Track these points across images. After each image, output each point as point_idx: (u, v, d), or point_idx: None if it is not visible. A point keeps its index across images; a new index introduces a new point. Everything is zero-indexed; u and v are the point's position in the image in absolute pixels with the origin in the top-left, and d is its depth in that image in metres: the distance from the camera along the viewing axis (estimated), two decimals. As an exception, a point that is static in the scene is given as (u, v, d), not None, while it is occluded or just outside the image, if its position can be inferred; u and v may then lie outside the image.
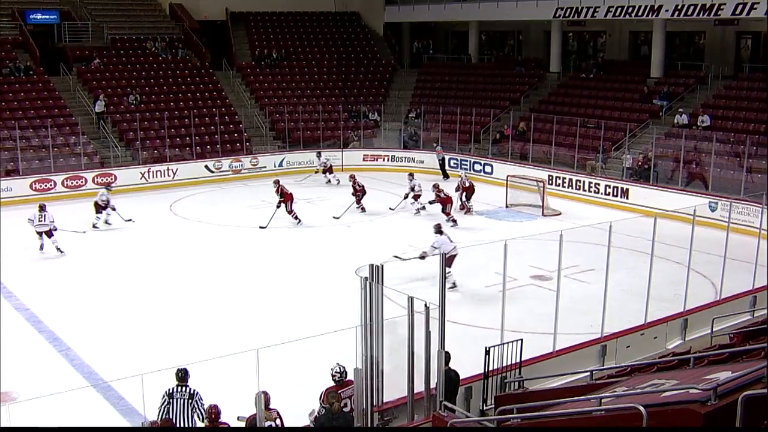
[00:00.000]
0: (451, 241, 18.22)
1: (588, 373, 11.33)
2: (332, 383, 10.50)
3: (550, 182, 29.28)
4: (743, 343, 10.29)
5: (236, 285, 18.71)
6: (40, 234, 20.94)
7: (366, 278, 10.35)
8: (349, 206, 25.93)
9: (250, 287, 18.54)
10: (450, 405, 9.47)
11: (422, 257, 17.48)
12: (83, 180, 29.39)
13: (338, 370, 10.60)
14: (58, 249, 20.88)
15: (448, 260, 17.42)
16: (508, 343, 11.78)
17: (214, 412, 9.81)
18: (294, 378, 12.23)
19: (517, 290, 17.37)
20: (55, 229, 21.04)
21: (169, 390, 10.18)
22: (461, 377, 11.32)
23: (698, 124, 29.14)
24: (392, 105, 38.47)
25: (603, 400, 7.03)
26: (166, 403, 10.09)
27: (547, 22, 37.35)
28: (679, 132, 28.52)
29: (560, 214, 26.11)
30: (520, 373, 11.96)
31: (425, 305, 10.03)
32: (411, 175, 26.94)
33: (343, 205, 26.07)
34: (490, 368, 11.65)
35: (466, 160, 32.99)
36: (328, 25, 42.94)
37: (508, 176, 28.36)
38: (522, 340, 11.82)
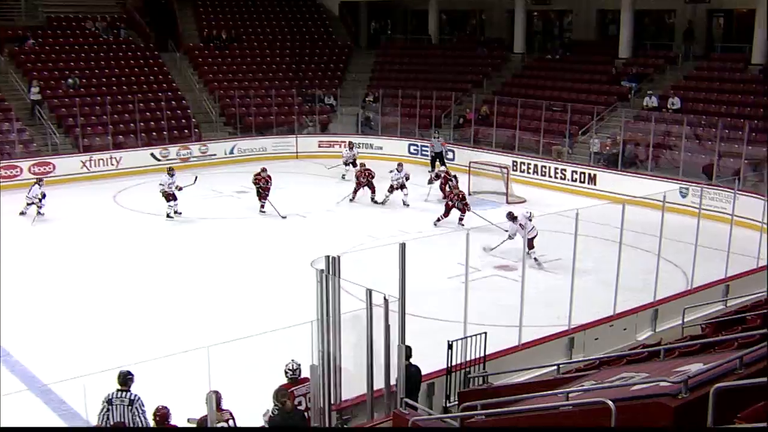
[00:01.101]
0: (523, 227, 18.70)
1: (555, 367, 11.42)
2: (286, 381, 10.47)
3: (515, 168, 29.47)
4: (715, 334, 10.44)
5: (186, 279, 18.54)
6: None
7: (322, 270, 10.31)
8: (345, 196, 26.07)
9: (201, 282, 18.39)
10: (411, 402, 9.48)
11: (510, 238, 19.09)
12: (19, 170, 28.87)
13: (291, 367, 10.56)
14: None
15: (530, 242, 18.91)
16: (471, 336, 11.82)
17: (160, 414, 9.70)
18: (248, 376, 12.14)
19: (481, 281, 17.46)
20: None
21: (108, 396, 9.95)
22: (423, 373, 11.32)
23: (668, 106, 29.49)
24: (349, 89, 38.37)
25: (570, 395, 7.08)
26: (105, 410, 9.85)
27: (510, 1, 37.55)
28: (649, 115, 28.87)
29: (525, 201, 26.28)
30: (484, 368, 12.01)
31: (384, 298, 10.02)
32: (400, 165, 26.57)
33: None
34: (453, 363, 11.68)
35: (426, 146, 33.03)
36: (280, 4, 42.63)
37: (470, 162, 28.48)
38: (486, 333, 11.86)
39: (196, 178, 24.70)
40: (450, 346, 11.62)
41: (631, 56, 33.63)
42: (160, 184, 23.91)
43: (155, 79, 35.64)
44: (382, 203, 25.58)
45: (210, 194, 26.99)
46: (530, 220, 19.19)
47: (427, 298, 15.72)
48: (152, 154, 31.71)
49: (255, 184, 24.62)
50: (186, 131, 33.50)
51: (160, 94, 34.38)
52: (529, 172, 29.68)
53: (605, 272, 17.05)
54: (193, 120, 34.04)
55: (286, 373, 10.56)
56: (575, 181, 28.31)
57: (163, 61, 36.92)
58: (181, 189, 23.86)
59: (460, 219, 22.65)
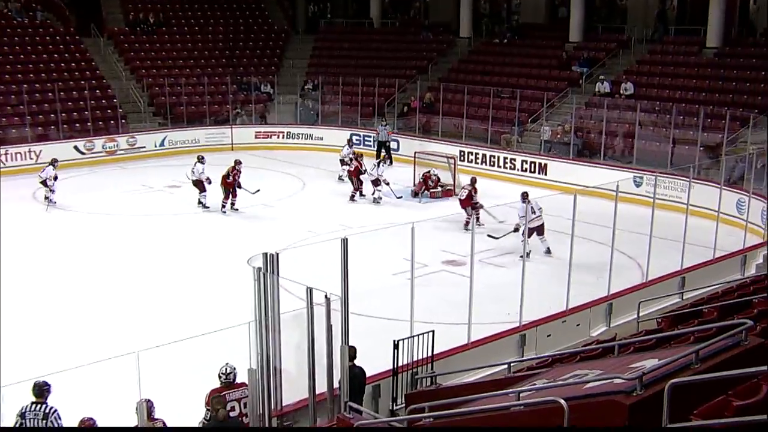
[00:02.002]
0: (534, 212, 18.88)
1: (506, 366, 11.48)
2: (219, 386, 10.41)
3: (462, 158, 29.64)
4: (671, 328, 10.59)
5: (115, 281, 18.24)
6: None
7: (259, 269, 10.24)
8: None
9: (132, 283, 18.10)
10: (356, 406, 9.48)
11: (516, 230, 19.06)
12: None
13: (225, 371, 10.49)
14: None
15: (538, 229, 19.12)
16: (418, 335, 11.84)
17: (86, 426, 9.51)
18: (181, 383, 12.02)
19: (428, 277, 17.52)
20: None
21: (21, 410, 9.66)
22: (368, 374, 11.31)
23: (621, 92, 29.89)
24: (286, 76, 38.20)
25: (522, 394, 7.13)
26: (17, 424, 9.57)
27: (456, -17, 37.79)
28: (601, 101, 29.22)
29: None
30: (432, 368, 12.04)
31: (326, 296, 9.98)
32: (379, 162, 26.36)
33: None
34: (400, 363, 11.70)
35: (370, 136, 33.09)
36: (212, -15, 42.31)
37: (415, 153, 28.54)
38: (433, 331, 11.89)
39: (258, 191, 24.76)
40: (396, 346, 11.63)
41: (582, 40, 34.00)
42: (192, 172, 24.13)
43: (77, 66, 34.94)
44: (378, 201, 25.48)
45: (139, 189, 26.65)
46: (536, 210, 19.11)
47: (372, 296, 15.73)
48: (76, 147, 31.14)
49: (228, 182, 24.14)
50: (112, 122, 32.94)
51: (83, 82, 33.74)
52: (477, 162, 29.88)
53: (557, 266, 17.32)
54: (120, 110, 33.52)
55: (219, 377, 10.49)
56: (525, 170, 28.57)
57: (86, 47, 36.27)
58: (210, 182, 24.06)
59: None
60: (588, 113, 29.83)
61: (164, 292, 17.50)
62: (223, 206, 23.83)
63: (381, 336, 12.64)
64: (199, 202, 24.39)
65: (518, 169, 28.71)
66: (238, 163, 24.20)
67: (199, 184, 24.17)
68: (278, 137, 34.76)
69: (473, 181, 23.07)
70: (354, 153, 26.65)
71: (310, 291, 10.08)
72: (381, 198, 25.24)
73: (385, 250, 18.66)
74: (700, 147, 25.46)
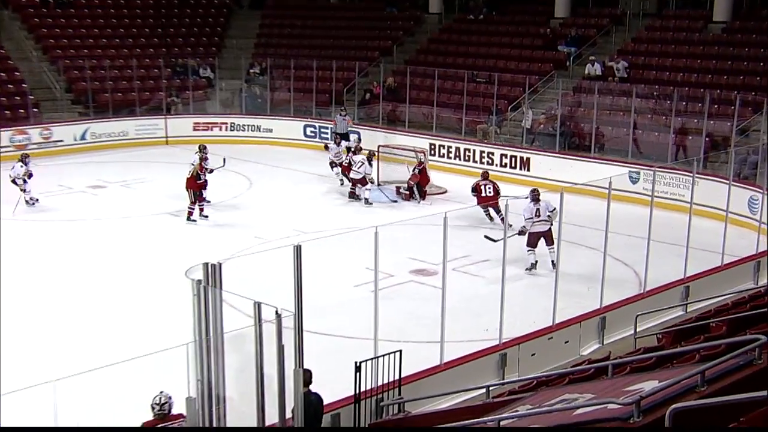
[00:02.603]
0: (538, 214, 18.75)
1: (484, 390, 11.52)
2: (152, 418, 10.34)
3: (432, 152, 29.73)
4: (673, 345, 10.67)
5: (25, 298, 18.01)
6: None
7: (199, 281, 10.18)
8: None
9: (48, 298, 17.89)
10: (311, 439, 9.44)
11: (522, 233, 18.74)
12: None
13: (158, 401, 10.40)
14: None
15: (546, 236, 18.72)
16: (383, 356, 11.84)
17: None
18: (108, 416, 11.92)
19: (394, 289, 17.52)
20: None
21: None
22: (326, 402, 11.28)
23: (614, 73, 29.98)
24: (229, 58, 38.08)
25: (502, 423, 7.15)
26: None
27: (424, -49, 37.88)
28: (591, 86, 29.33)
29: (446, 192, 26.48)
30: (399, 394, 12.05)
31: (276, 312, 9.93)
32: (370, 157, 26.27)
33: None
34: (363, 389, 11.68)
35: (326, 127, 33.09)
36: (141, -48, 41.96)
37: (379, 146, 28.54)
38: (401, 351, 11.90)
39: (225, 159, 24.98)
40: (358, 369, 11.61)
41: (569, 15, 34.24)
42: (192, 164, 23.76)
43: (-24, 45, 34.58)
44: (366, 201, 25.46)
45: (57, 190, 26.37)
46: (548, 212, 19.02)
47: (330, 312, 15.73)
48: (-24, 141, 30.78)
49: (197, 183, 23.48)
50: (21, 111, 32.63)
51: (-17, 63, 33.47)
52: (449, 157, 30.01)
53: (543, 275, 17.40)
54: (31, 97, 33.19)
55: (153, 408, 10.40)
56: (505, 166, 28.69)
57: (-13, 22, 35.89)
58: (212, 171, 23.88)
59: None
60: (576, 99, 30.03)
61: (86, 310, 17.30)
62: (191, 213, 23.25)
63: (341, 357, 12.62)
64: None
65: (497, 165, 28.77)
66: (203, 149, 23.98)
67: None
68: (220, 129, 34.67)
69: (486, 175, 23.76)
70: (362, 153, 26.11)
71: (258, 306, 10.01)
72: (370, 200, 25.21)
73: (345, 258, 18.68)
74: (705, 137, 25.66)
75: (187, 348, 10.13)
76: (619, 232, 16.25)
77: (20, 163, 24.39)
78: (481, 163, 29.06)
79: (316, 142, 33.08)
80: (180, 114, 35.25)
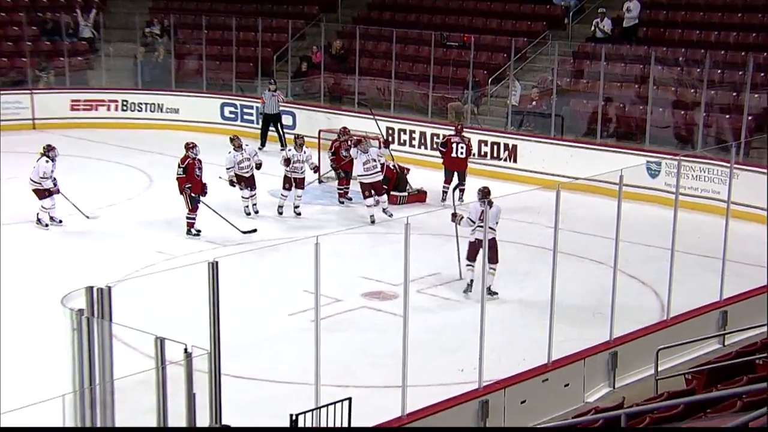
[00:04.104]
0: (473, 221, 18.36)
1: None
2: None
3: (390, 138, 29.60)
4: (707, 388, 10.70)
5: None
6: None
7: (80, 311, 10.07)
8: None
9: None
10: None
11: (454, 218, 18.81)
12: None
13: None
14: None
15: (491, 250, 17.78)
16: (328, 405, 11.79)
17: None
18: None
19: (342, 318, 17.45)
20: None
21: None
22: (253, 468, 11.25)
23: (623, 21, 29.90)
24: (119, 13, 37.89)
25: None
26: None
27: None
28: (597, 50, 29.19)
29: (425, 195, 26.32)
30: (349, 457, 12.01)
31: (185, 350, 9.86)
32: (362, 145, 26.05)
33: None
34: (301, 450, 11.63)
35: (250, 107, 33.13)
36: None
37: (320, 132, 28.47)
38: (350, 399, 11.88)
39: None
40: (294, 423, 11.55)
41: (567, -43, 34.23)
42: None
43: None
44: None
45: None
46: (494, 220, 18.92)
47: (257, 348, 15.67)
48: None
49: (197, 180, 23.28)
50: None
51: None
52: (412, 144, 30.04)
53: (534, 298, 17.41)
54: None
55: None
56: (485, 155, 28.64)
57: None
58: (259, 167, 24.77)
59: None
60: (578, 68, 30.19)
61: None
62: (191, 225, 23.06)
63: (271, 408, 12.59)
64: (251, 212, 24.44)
65: (474, 154, 28.50)
66: (191, 147, 23.54)
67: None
68: (108, 109, 34.52)
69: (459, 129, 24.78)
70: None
71: (160, 343, 9.95)
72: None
73: (277, 278, 18.61)
74: (748, 116, 25.42)
75: (63, 401, 10.00)
76: (634, 241, 16.33)
77: (44, 158, 23.66)
78: (453, 152, 28.95)
79: (238, 125, 32.95)
80: (52, 88, 35.00)
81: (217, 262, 10.29)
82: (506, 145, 28.47)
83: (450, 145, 24.24)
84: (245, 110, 33.37)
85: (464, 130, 24.98)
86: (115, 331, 10.18)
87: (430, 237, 21.02)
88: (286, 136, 30.53)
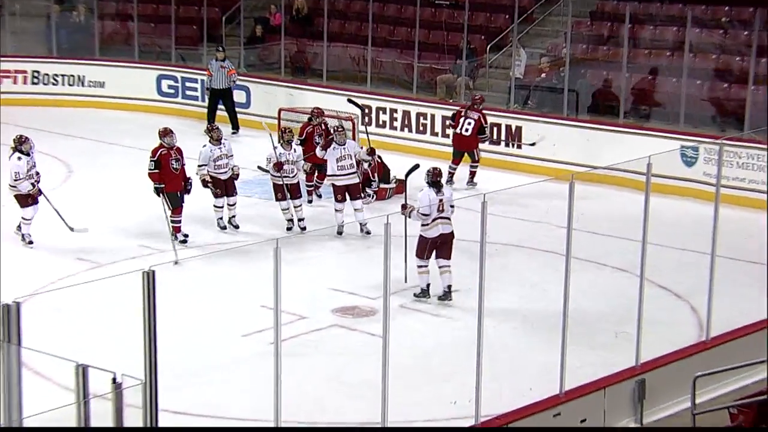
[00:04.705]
0: (441, 210, 18.48)
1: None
2: None
3: (368, 120, 29.61)
4: (757, 423, 10.81)
5: None
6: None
7: (-15, 332, 10.13)
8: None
9: None
10: None
11: (405, 210, 18.92)
12: None
13: None
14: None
15: (440, 248, 18.58)
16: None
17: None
18: None
19: (308, 339, 17.50)
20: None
21: None
22: None
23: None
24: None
25: None
26: None
27: None
28: (620, 9, 29.41)
29: (396, 185, 26.39)
30: None
31: (114, 380, 9.92)
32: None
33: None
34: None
35: (193, 79, 33.31)
36: None
37: (280, 111, 28.56)
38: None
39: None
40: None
41: None
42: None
43: None
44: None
45: None
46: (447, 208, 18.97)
47: (203, 377, 15.71)
48: None
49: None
50: None
51: None
52: (393, 127, 30.11)
53: (542, 313, 17.50)
54: None
55: None
56: (482, 140, 28.62)
57: None
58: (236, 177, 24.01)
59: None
60: (596, 32, 30.28)
61: None
62: (177, 230, 22.96)
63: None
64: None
65: (486, 132, 28.53)
66: (164, 135, 23.32)
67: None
68: (15, 81, 34.48)
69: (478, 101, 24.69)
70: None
71: (82, 371, 10.00)
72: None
73: (228, 291, 18.65)
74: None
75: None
76: (666, 244, 16.37)
77: (17, 155, 23.41)
78: (444, 135, 29.05)
79: (178, 103, 33.14)
80: None
81: (153, 272, 10.32)
82: (508, 127, 28.57)
83: (458, 119, 24.28)
84: (187, 84, 33.46)
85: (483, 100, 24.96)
86: (24, 358, 10.22)
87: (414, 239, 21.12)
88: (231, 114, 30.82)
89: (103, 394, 10.02)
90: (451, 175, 25.22)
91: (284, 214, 23.23)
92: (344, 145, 23.37)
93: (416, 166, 20.04)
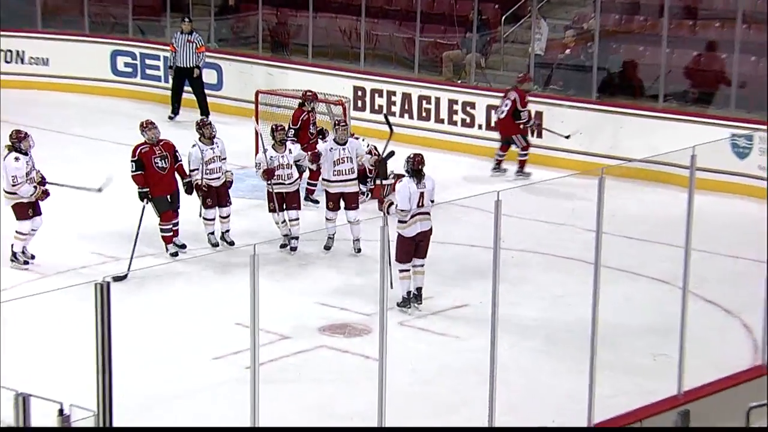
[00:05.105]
0: (422, 205, 18.55)
1: None
2: None
3: (360, 104, 30.02)
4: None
5: None
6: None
7: None
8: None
9: None
10: None
11: (382, 201, 19.71)
12: None
13: None
14: None
15: (418, 246, 18.63)
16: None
17: None
18: None
19: (291, 363, 17.49)
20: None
21: None
22: None
23: None
24: None
25: None
26: None
27: None
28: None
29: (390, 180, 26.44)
30: None
31: (60, 412, 9.89)
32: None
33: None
34: None
35: (155, 56, 33.26)
36: None
37: (257, 94, 28.45)
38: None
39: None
40: None
41: None
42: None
43: None
44: None
45: None
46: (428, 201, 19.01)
47: (166, 407, 15.69)
48: None
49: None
50: None
51: None
52: (391, 113, 29.75)
53: (567, 332, 17.49)
54: None
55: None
56: (496, 128, 28.63)
57: None
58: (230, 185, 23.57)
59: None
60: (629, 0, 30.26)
61: None
62: (168, 241, 22.82)
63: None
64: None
65: (482, 124, 29.00)
66: (145, 128, 23.16)
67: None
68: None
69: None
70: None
71: (23, 401, 9.97)
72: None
73: (196, 306, 18.64)
74: None
75: None
76: (712, 251, 16.32)
77: (15, 154, 23.24)
78: (451, 122, 29.18)
79: (135, 85, 33.20)
80: None
81: (108, 283, 10.26)
82: (529, 113, 28.45)
83: (502, 101, 24.48)
84: (147, 62, 33.56)
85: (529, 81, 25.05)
86: None
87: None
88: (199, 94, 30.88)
89: (48, 427, 10.00)
90: (497, 162, 25.84)
91: (279, 228, 22.50)
92: (345, 144, 22.67)
93: (392, 153, 19.99)
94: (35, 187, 21.77)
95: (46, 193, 21.89)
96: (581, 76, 28.95)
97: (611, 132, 26.78)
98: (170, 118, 29.56)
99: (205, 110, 30.82)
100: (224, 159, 22.97)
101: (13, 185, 21.57)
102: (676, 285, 15.86)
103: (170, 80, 31.80)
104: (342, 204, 22.16)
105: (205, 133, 22.85)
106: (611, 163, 20.79)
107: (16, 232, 21.57)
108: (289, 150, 22.95)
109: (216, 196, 22.63)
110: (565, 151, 26.98)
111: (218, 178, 22.63)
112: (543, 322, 18.37)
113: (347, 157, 22.45)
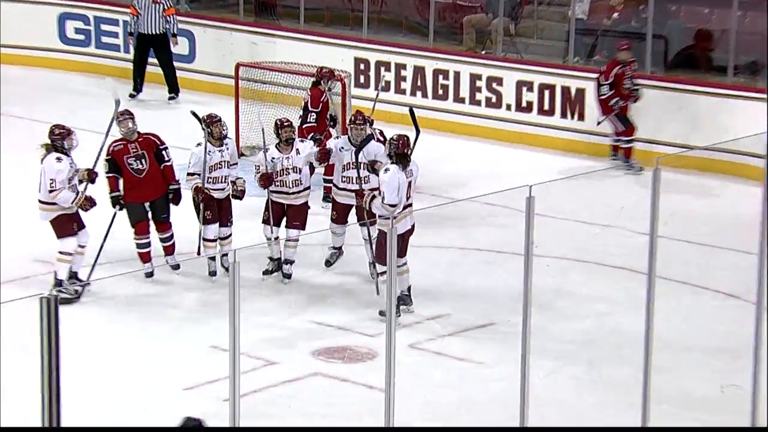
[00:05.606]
0: (409, 196, 18.94)
1: None
2: None
3: (361, 81, 29.99)
4: None
5: None
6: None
7: None
8: None
9: None
10: None
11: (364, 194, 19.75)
12: None
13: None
14: None
15: (406, 238, 18.74)
16: None
17: None
18: None
19: (281, 393, 17.57)
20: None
21: None
22: None
23: None
24: None
25: None
26: None
27: None
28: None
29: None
30: None
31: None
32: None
33: None
34: None
35: (113, 21, 33.16)
36: None
37: (238, 66, 28.50)
38: None
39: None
40: None
41: None
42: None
43: None
44: None
45: None
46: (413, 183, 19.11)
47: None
48: None
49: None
50: None
51: None
52: (401, 90, 30.34)
53: (613, 357, 17.57)
54: None
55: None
56: (527, 107, 29.00)
57: None
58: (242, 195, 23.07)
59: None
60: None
61: None
62: (145, 259, 22.86)
63: None
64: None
65: (511, 104, 29.10)
66: (122, 120, 23.18)
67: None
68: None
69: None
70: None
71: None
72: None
73: (163, 326, 18.74)
74: None
75: None
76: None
77: (55, 157, 23.13)
78: (474, 101, 29.24)
79: (89, 55, 33.24)
80: None
81: (56, 296, 10.32)
82: (565, 90, 28.81)
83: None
84: (103, 28, 33.68)
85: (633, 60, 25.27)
86: None
87: (433, 249, 21.21)
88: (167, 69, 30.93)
89: (47, 428, 10.10)
90: (613, 149, 26.04)
91: (270, 247, 21.45)
92: (361, 147, 21.70)
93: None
94: (77, 193, 20.96)
95: (91, 201, 20.96)
96: (632, 44, 28.96)
97: (669, 112, 26.82)
98: (131, 96, 29.64)
99: (173, 87, 30.92)
100: (235, 165, 22.39)
101: (51, 191, 20.80)
102: (748, 300, 15.94)
103: (131, 50, 31.85)
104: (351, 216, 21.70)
105: (214, 131, 21.96)
106: (669, 151, 20.87)
107: (60, 252, 20.77)
108: (297, 150, 22.06)
109: (217, 210, 21.90)
110: (609, 136, 26.89)
111: (222, 189, 21.93)
112: (585, 345, 18.31)
113: (362, 161, 21.40)
